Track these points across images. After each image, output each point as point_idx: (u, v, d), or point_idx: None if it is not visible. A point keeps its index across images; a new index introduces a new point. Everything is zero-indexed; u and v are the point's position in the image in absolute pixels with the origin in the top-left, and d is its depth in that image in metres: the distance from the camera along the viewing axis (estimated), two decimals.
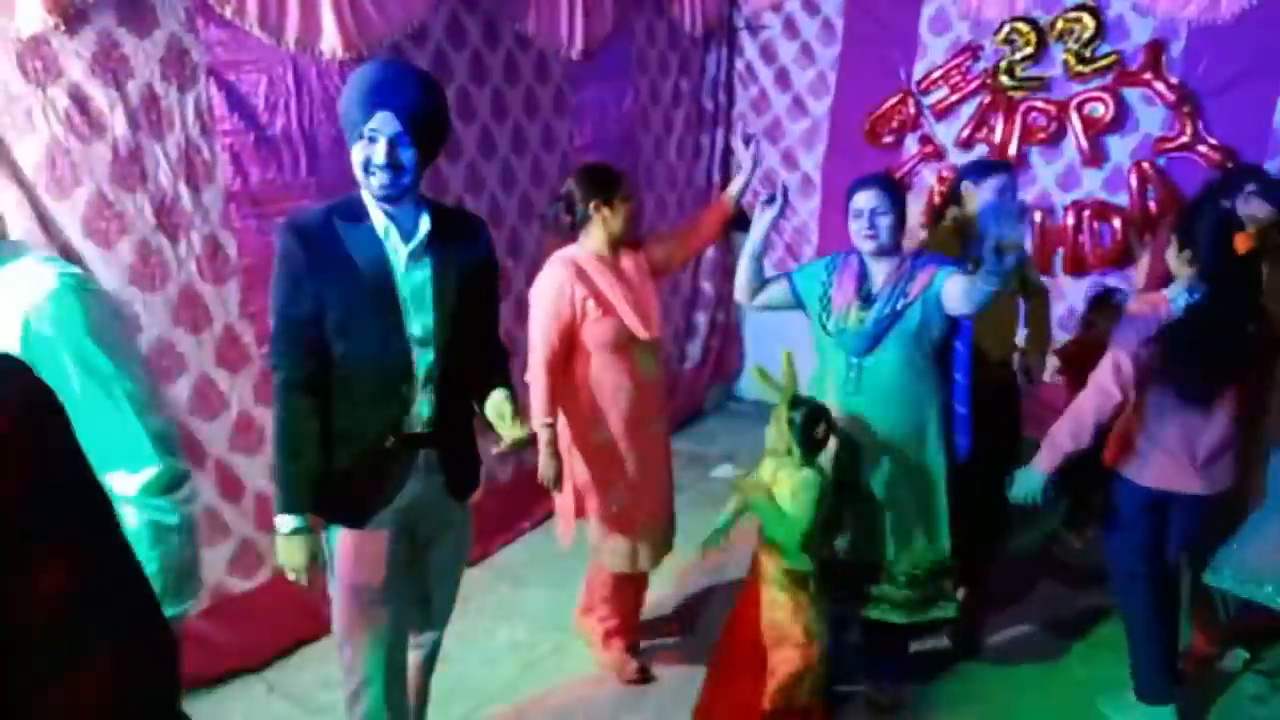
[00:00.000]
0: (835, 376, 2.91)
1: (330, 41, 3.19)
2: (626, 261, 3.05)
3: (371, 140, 2.05)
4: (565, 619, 3.47)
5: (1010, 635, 3.57)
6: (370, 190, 2.12)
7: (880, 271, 2.87)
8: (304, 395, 2.17)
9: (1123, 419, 2.90)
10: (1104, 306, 3.97)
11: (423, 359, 2.22)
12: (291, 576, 2.24)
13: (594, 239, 2.99)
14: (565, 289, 2.91)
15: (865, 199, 2.84)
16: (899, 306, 2.81)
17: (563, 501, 3.15)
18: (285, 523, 2.20)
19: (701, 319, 5.78)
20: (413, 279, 2.19)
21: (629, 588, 3.29)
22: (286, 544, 2.21)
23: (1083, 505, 3.86)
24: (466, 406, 2.37)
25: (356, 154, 2.09)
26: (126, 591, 0.95)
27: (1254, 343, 2.75)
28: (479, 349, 2.38)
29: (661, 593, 3.71)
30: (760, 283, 3.02)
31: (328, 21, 3.17)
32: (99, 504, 0.95)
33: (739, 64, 5.59)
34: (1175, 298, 2.76)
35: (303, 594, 3.23)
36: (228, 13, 2.89)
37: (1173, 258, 2.80)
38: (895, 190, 2.90)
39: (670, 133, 5.22)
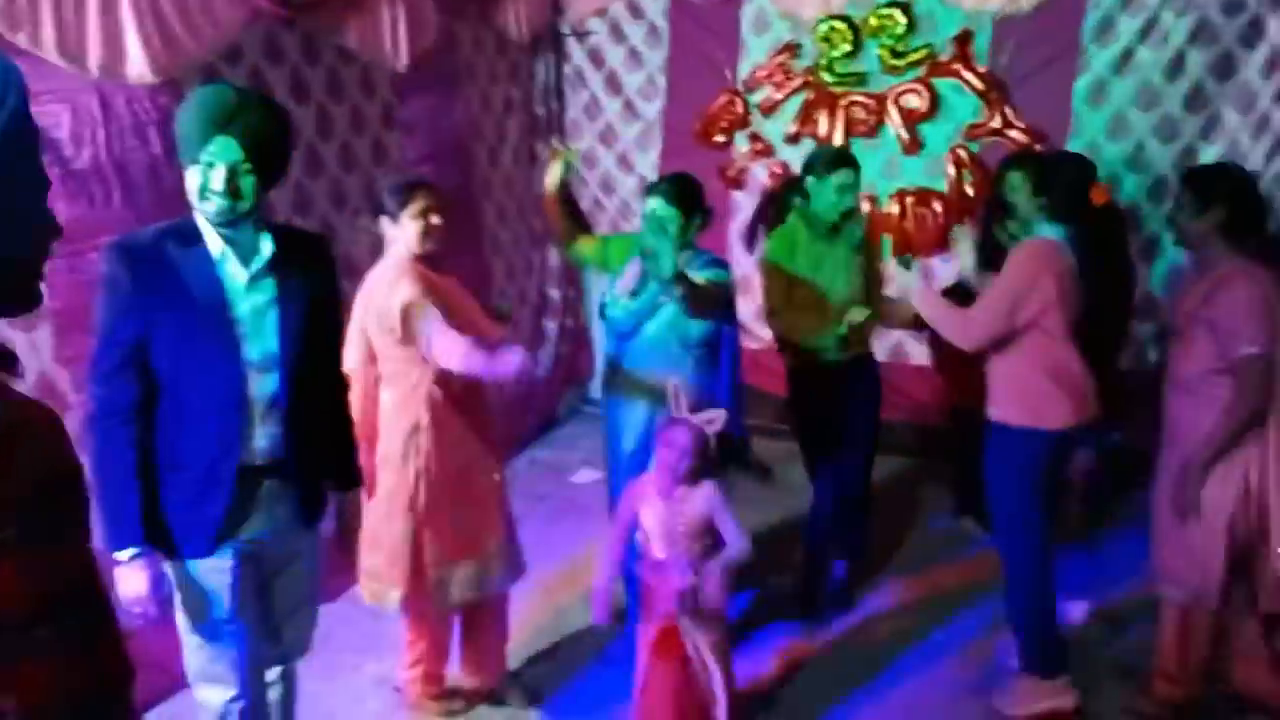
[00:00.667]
0: (607, 352, 3.14)
1: (137, 67, 3.02)
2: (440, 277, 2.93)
3: (210, 166, 2.00)
4: None
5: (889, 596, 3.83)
6: (205, 216, 2.07)
7: (653, 266, 2.99)
8: (128, 422, 2.09)
9: (1009, 373, 3.01)
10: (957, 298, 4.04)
11: (264, 386, 2.16)
12: (137, 610, 2.14)
13: (396, 251, 2.87)
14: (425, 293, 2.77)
15: (651, 204, 3.04)
16: (659, 301, 3.03)
17: (391, 551, 2.91)
18: (123, 552, 2.11)
19: (551, 325, 5.77)
20: (253, 303, 2.14)
21: (472, 619, 3.18)
22: (126, 572, 2.11)
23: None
24: (314, 433, 2.31)
25: (191, 179, 2.04)
26: (84, 610, 1.03)
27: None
28: (325, 374, 2.34)
29: (530, 614, 3.68)
30: (574, 227, 3.36)
31: (133, 46, 2.99)
32: (72, 526, 1.04)
33: (568, 70, 5.60)
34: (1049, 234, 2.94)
35: (146, 651, 3.08)
36: (22, 41, 2.69)
37: (1025, 200, 3.00)
38: (681, 194, 3.05)
39: (504, 141, 5.17)
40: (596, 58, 5.50)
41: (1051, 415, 2.96)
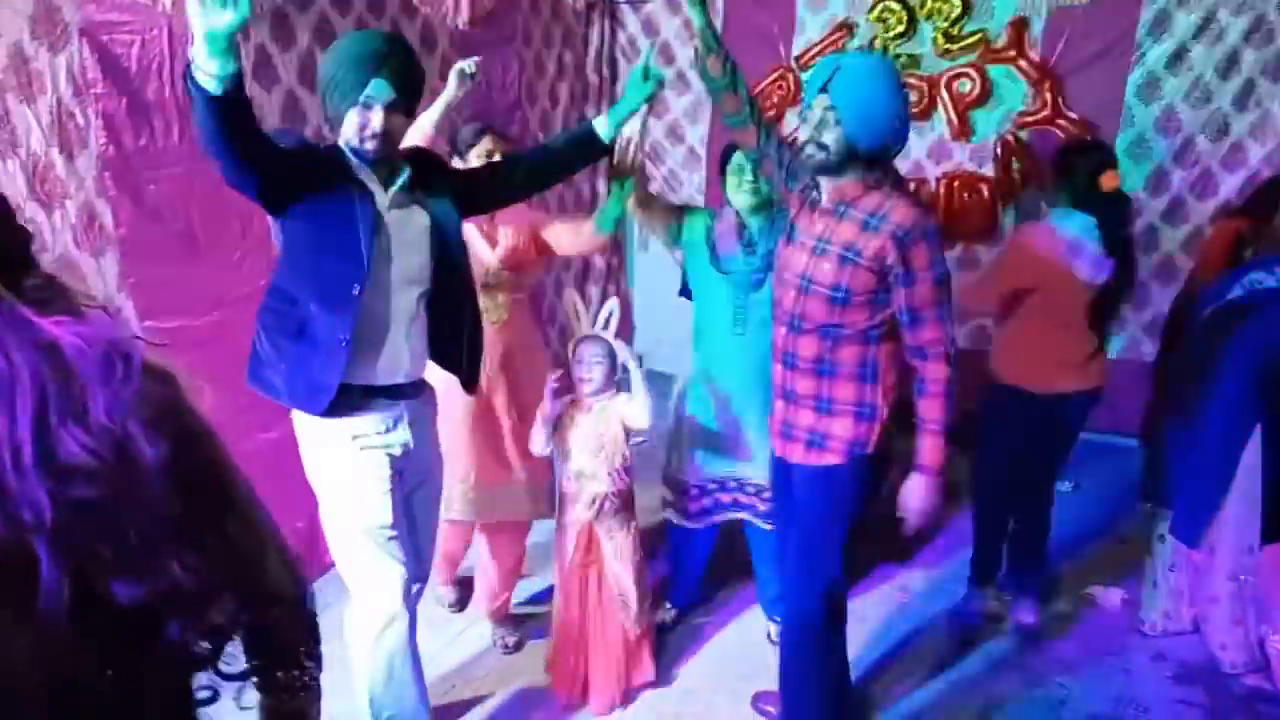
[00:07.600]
0: (724, 314, 3.11)
1: None
2: None
3: (367, 107, 2.21)
4: None
5: None
6: (362, 153, 2.28)
7: (756, 223, 3.09)
8: None
9: (1010, 336, 3.25)
10: None
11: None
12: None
13: None
14: None
15: (745, 158, 3.04)
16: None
17: None
18: None
19: (594, 292, 5.83)
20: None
21: (451, 534, 3.44)
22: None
23: None
24: None
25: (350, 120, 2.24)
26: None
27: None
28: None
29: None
30: (649, 199, 3.21)
31: None
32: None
33: (621, 38, 5.63)
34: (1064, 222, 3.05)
35: None
36: None
37: (1051, 188, 3.17)
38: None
39: (556, 106, 5.23)
40: (651, 26, 5.53)
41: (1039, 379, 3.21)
